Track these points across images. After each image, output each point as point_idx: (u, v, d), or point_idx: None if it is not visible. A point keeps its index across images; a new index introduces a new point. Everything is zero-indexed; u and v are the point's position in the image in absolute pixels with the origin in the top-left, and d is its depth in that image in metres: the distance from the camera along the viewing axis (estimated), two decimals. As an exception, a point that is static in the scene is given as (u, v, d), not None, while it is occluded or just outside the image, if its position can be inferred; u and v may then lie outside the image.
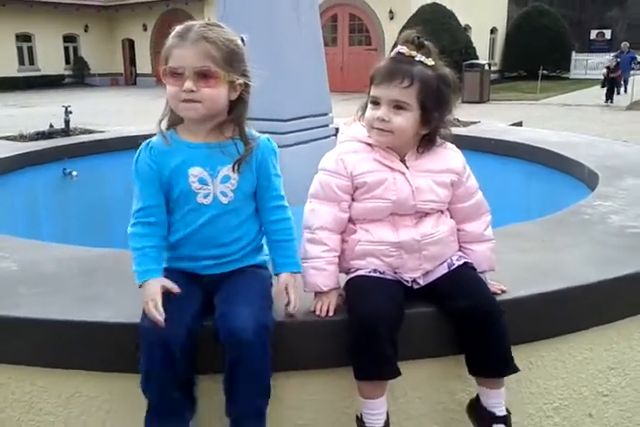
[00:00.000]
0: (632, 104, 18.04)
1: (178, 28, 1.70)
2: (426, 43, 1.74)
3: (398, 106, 1.71)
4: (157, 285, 1.67)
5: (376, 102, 1.72)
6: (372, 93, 1.73)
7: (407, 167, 1.76)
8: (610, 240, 2.32)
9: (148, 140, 1.78)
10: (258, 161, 1.76)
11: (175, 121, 1.78)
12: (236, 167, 1.72)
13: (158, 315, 1.59)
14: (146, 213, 1.74)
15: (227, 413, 1.66)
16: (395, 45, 1.80)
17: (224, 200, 1.75)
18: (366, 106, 1.77)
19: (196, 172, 1.73)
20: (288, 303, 1.73)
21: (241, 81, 1.72)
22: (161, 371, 1.61)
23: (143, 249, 1.72)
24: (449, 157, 1.82)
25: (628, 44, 22.13)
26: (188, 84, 1.64)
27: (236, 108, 1.75)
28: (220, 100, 1.70)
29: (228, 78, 1.69)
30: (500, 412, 1.75)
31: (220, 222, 1.75)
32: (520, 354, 1.84)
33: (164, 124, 1.78)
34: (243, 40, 1.76)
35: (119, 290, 1.89)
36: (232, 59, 1.69)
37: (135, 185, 1.77)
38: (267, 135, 1.82)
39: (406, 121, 1.71)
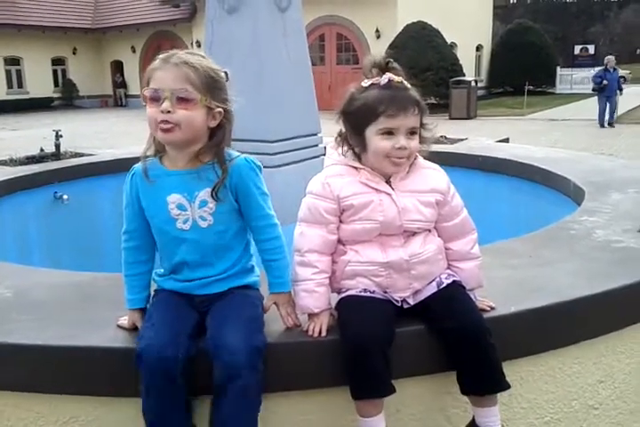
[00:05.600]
0: (616, 118, 18.22)
1: (162, 54, 1.74)
2: (395, 65, 1.78)
3: (412, 132, 1.75)
4: (132, 320, 1.84)
5: (390, 133, 1.73)
6: (386, 125, 1.72)
7: (392, 188, 1.79)
8: (596, 255, 2.36)
9: (134, 167, 1.83)
10: (234, 183, 1.76)
11: (161, 148, 1.80)
12: (214, 194, 1.74)
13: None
14: (129, 236, 1.85)
15: None
16: (372, 67, 1.78)
17: (203, 224, 1.77)
18: (345, 136, 1.80)
19: (174, 199, 1.76)
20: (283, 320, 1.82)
21: (220, 109, 1.74)
22: (160, 392, 1.62)
23: (127, 277, 1.86)
24: (432, 177, 1.85)
25: (614, 60, 16.72)
26: (166, 105, 1.67)
27: (216, 135, 1.77)
28: (196, 124, 1.71)
29: (206, 103, 1.70)
30: None
31: (203, 247, 1.78)
32: (511, 370, 1.87)
33: (150, 152, 1.81)
34: (226, 74, 1.79)
35: (113, 314, 1.90)
36: (211, 85, 1.72)
37: None
38: (246, 155, 1.82)
39: (417, 144, 1.77)
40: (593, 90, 16.88)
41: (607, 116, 16.45)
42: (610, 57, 16.76)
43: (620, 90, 16.39)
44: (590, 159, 4.66)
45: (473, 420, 1.81)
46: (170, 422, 1.64)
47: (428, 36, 21.81)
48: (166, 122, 1.68)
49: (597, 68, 28.81)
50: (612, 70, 16.25)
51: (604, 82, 15.88)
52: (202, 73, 1.70)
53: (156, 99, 1.68)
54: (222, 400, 1.62)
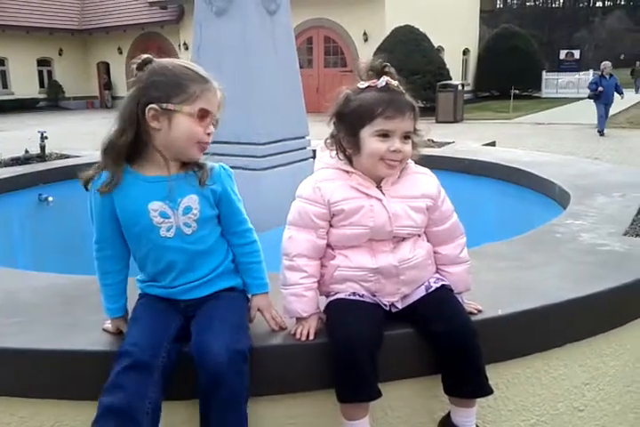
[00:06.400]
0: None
1: (191, 66, 1.72)
2: (391, 70, 1.78)
3: (406, 136, 1.75)
4: (115, 325, 1.83)
5: (386, 135, 1.73)
6: (383, 127, 1.71)
7: (383, 193, 1.79)
8: (582, 258, 2.37)
9: (100, 174, 1.74)
10: (218, 192, 1.79)
11: (138, 155, 1.74)
12: (202, 182, 1.75)
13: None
14: (100, 246, 1.81)
15: None
16: (368, 70, 1.78)
17: (187, 231, 1.76)
18: (338, 138, 1.79)
19: (155, 206, 1.73)
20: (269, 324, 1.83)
21: None
22: (129, 382, 1.57)
23: (103, 286, 1.84)
24: (423, 182, 1.85)
25: (610, 66, 15.66)
26: (212, 129, 1.74)
27: None
28: None
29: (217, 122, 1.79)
30: None
31: (187, 253, 1.77)
32: (497, 372, 1.88)
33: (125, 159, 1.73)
34: None
35: (98, 318, 1.89)
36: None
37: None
38: (220, 163, 1.85)
39: (410, 149, 1.77)
40: (589, 97, 15.92)
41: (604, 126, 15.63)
42: (606, 62, 15.79)
43: (621, 93, 15.60)
44: (576, 163, 4.70)
45: (448, 415, 1.83)
46: (130, 408, 1.55)
47: (416, 39, 21.90)
48: (207, 143, 1.74)
49: (582, 73, 29.01)
50: (607, 77, 15.39)
51: (600, 88, 15.11)
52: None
53: (203, 119, 1.71)
54: (209, 410, 1.61)
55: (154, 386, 1.60)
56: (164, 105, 1.67)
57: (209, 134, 1.73)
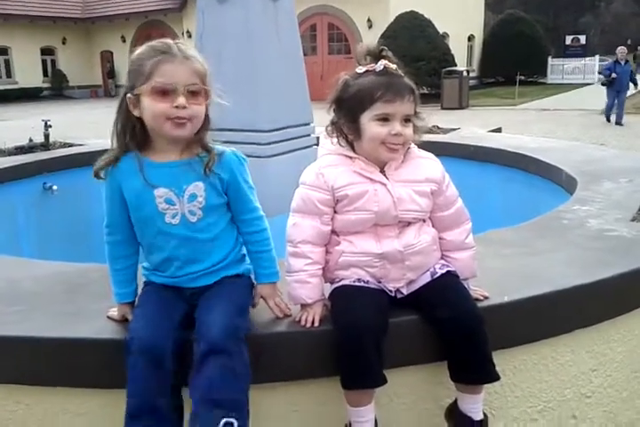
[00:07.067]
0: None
1: (155, 44, 1.68)
2: (389, 53, 1.75)
3: (407, 119, 1.73)
4: (121, 312, 1.81)
5: (386, 119, 1.71)
6: (382, 111, 1.69)
7: (387, 178, 1.77)
8: (589, 244, 2.35)
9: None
10: (226, 180, 1.75)
11: (142, 141, 1.74)
12: (207, 171, 1.71)
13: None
14: (111, 230, 1.80)
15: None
16: (366, 55, 1.76)
17: (192, 219, 1.75)
18: (339, 125, 1.77)
19: (161, 193, 1.72)
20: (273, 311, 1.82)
21: (212, 100, 1.72)
22: (146, 380, 1.59)
23: (113, 271, 1.83)
24: (427, 166, 1.84)
25: (625, 51, 14.85)
26: (182, 101, 1.63)
27: (203, 125, 1.75)
28: (202, 118, 1.71)
29: (209, 95, 1.70)
30: (478, 416, 1.77)
31: (192, 242, 1.76)
32: (504, 359, 1.88)
33: (129, 146, 1.73)
34: None
35: (103, 306, 1.88)
36: (208, 77, 1.71)
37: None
38: (232, 148, 1.81)
39: (411, 132, 1.75)
40: (602, 84, 15.16)
41: (611, 113, 14.85)
42: (621, 48, 14.93)
43: (635, 84, 14.97)
44: (582, 149, 4.67)
45: (455, 402, 1.82)
46: (155, 406, 1.59)
47: (420, 26, 21.76)
48: (181, 117, 1.65)
49: (588, 58, 28.70)
50: (622, 62, 14.45)
51: (613, 75, 14.26)
52: (204, 65, 1.70)
53: (166, 93, 1.64)
54: (206, 367, 1.56)
55: (173, 378, 1.62)
56: (134, 91, 1.66)
57: (178, 107, 1.63)
